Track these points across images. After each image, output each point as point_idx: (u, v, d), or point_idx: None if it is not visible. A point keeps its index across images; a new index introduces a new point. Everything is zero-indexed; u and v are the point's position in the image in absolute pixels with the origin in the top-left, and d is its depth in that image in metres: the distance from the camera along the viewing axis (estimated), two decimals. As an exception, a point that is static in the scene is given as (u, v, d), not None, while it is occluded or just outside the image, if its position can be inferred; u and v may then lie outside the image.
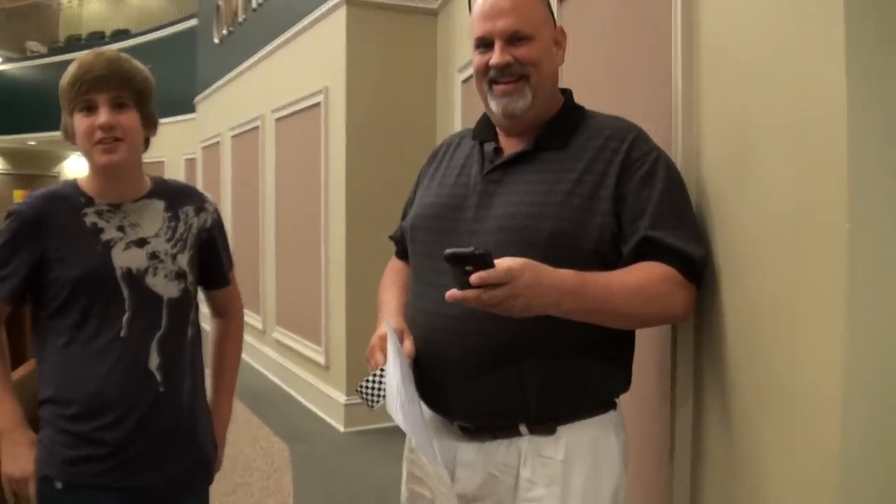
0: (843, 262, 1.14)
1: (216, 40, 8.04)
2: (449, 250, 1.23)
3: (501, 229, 1.45)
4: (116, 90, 1.59)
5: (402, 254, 1.80)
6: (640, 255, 1.42)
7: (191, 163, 10.05)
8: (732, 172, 1.47)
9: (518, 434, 1.47)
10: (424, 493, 1.53)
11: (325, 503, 3.54)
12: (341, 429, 4.64)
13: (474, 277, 1.23)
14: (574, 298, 1.32)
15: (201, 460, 1.76)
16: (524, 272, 1.26)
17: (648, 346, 1.76)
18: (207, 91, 8.64)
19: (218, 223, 1.83)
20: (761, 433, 1.39)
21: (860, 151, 1.13)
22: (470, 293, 1.25)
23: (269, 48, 6.12)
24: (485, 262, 1.23)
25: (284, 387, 5.66)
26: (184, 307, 1.70)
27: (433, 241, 1.54)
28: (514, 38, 1.48)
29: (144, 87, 1.65)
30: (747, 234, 1.42)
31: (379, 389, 1.44)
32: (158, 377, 1.63)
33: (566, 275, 1.32)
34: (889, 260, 1.15)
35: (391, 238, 1.85)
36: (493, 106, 1.53)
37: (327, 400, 4.85)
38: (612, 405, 1.53)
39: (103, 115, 1.57)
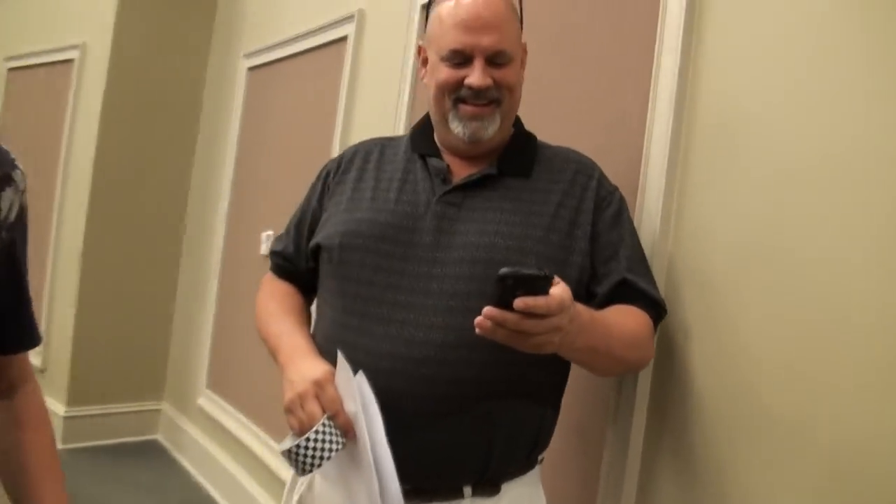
0: None
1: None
2: (508, 269, 1.02)
3: (474, 261, 1.28)
4: None
5: (288, 273, 1.53)
6: (615, 297, 1.34)
7: None
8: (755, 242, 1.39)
9: (460, 496, 1.29)
10: None
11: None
12: (59, 445, 3.92)
13: (523, 302, 1.02)
14: (585, 335, 1.17)
15: None
16: (570, 305, 1.08)
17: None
18: None
19: (24, 213, 1.06)
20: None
21: None
22: (510, 316, 1.03)
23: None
24: (541, 289, 1.04)
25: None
26: None
27: (381, 268, 1.31)
28: (495, 59, 1.33)
29: None
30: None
31: (322, 450, 1.14)
32: None
33: (582, 309, 1.17)
34: None
35: (277, 253, 1.55)
36: (457, 127, 1.37)
37: (39, 409, 4.10)
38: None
39: None
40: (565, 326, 1.08)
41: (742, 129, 1.42)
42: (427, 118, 1.47)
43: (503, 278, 1.02)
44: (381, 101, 2.73)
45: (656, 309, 1.39)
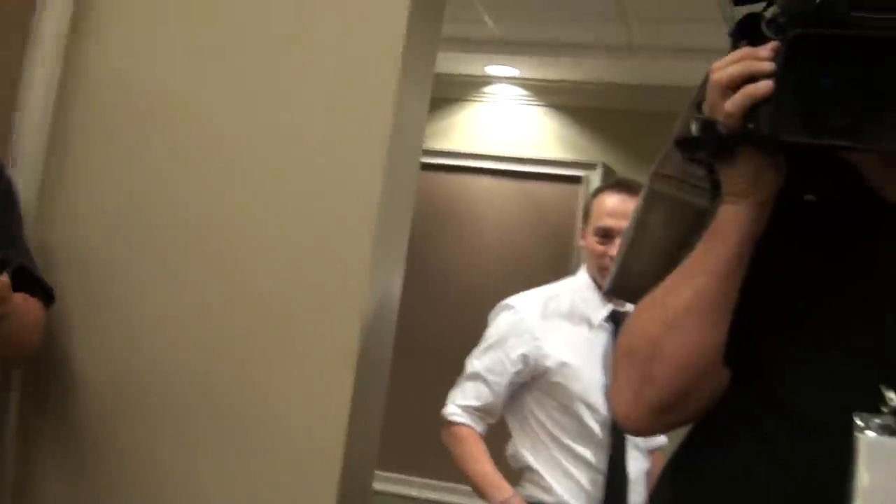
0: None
1: None
2: None
3: None
4: None
5: None
6: (14, 285, 1.23)
7: None
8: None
9: None
10: None
11: None
12: None
13: None
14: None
15: None
16: None
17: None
18: None
19: None
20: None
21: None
22: None
23: None
24: None
25: None
26: None
27: None
28: None
29: None
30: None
31: None
32: None
33: None
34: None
35: None
36: None
37: None
38: None
39: None
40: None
41: (128, 111, 1.42)
42: None
43: None
44: None
45: (48, 296, 1.33)
